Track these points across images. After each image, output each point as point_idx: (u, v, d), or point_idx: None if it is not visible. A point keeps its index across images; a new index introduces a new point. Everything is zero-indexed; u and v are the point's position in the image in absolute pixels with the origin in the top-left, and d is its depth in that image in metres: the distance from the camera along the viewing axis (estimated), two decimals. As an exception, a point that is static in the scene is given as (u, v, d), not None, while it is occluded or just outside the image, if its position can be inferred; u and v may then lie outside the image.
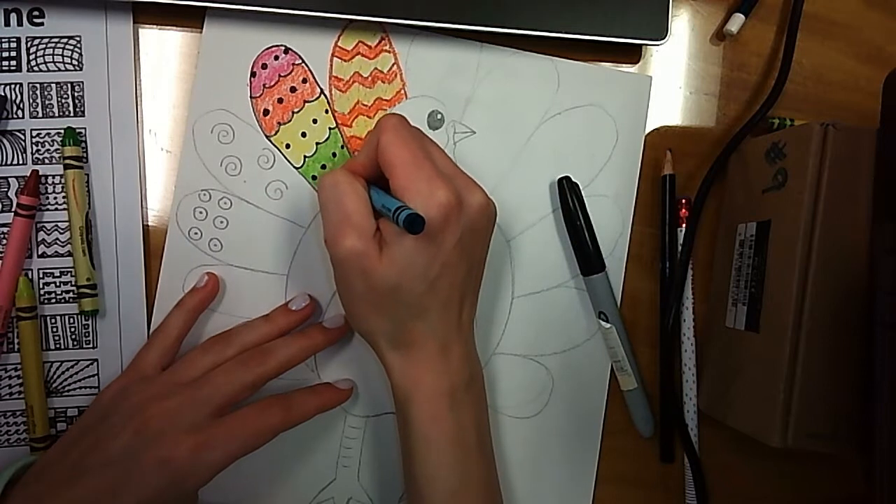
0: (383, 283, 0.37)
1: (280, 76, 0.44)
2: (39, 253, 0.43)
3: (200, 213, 0.44)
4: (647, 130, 0.47)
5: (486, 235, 0.40)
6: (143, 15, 0.43)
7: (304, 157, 0.44)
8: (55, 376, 0.43)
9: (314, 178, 0.45)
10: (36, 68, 0.42)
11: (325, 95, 0.44)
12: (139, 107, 0.43)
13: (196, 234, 0.44)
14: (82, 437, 0.39)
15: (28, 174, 0.42)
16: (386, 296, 0.37)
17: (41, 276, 0.43)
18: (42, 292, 0.43)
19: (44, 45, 0.42)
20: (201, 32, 0.44)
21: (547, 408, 0.46)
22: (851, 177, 0.39)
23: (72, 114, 0.43)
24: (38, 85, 0.43)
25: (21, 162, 0.43)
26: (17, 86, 0.42)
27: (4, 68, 0.42)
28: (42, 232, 0.43)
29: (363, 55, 0.45)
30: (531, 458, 0.46)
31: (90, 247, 0.42)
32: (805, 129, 0.40)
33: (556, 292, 0.46)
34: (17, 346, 0.42)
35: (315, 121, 0.44)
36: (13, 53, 0.42)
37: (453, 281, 0.38)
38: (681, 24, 0.47)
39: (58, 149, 0.43)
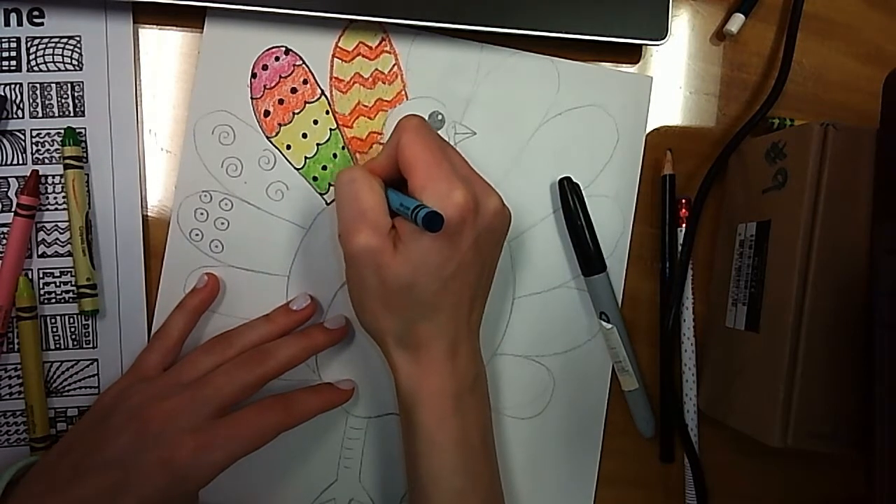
0: (397, 280, 0.37)
1: (281, 77, 0.44)
2: (39, 253, 0.43)
3: (201, 214, 0.44)
4: (648, 130, 0.47)
5: (500, 239, 0.41)
6: (143, 15, 0.43)
7: (305, 158, 0.44)
8: (55, 376, 0.43)
9: (315, 179, 0.45)
10: (36, 68, 0.42)
11: (326, 96, 0.44)
12: (139, 107, 0.43)
13: (197, 235, 0.44)
14: (83, 438, 0.39)
15: (28, 174, 0.42)
16: (398, 293, 0.37)
17: (41, 276, 0.43)
18: (42, 292, 0.43)
19: (44, 45, 0.42)
20: (201, 32, 0.44)
21: (548, 408, 0.46)
22: (851, 177, 0.39)
23: (72, 114, 0.43)
24: (38, 85, 0.42)
25: (21, 162, 0.42)
26: (17, 86, 0.42)
27: (4, 68, 0.42)
28: (42, 232, 0.43)
29: (364, 56, 0.44)
30: (532, 458, 0.46)
31: (90, 247, 0.42)
32: (805, 129, 0.40)
33: (557, 293, 0.46)
34: (17, 346, 0.42)
35: (316, 122, 0.44)
36: (13, 53, 0.42)
37: (466, 282, 0.39)
38: (681, 24, 0.48)
39: (58, 149, 0.43)
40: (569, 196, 0.45)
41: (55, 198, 0.43)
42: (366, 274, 0.37)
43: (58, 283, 0.43)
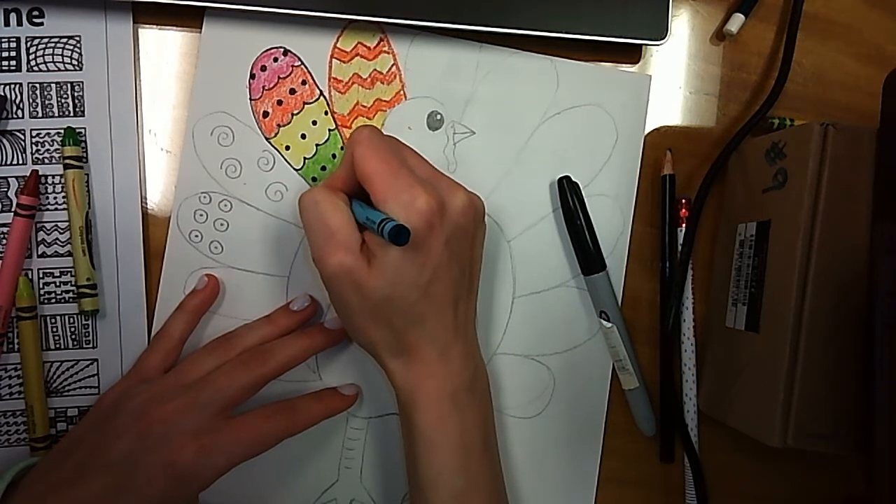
0: (376, 294, 0.37)
1: (279, 78, 0.44)
2: (39, 253, 0.43)
3: (201, 215, 0.44)
4: (647, 130, 0.47)
5: (474, 234, 0.40)
6: (142, 15, 0.43)
7: (304, 158, 0.44)
8: (55, 376, 0.43)
9: (314, 179, 0.45)
10: (36, 68, 0.42)
11: (325, 97, 0.44)
12: (139, 107, 0.43)
13: (196, 236, 0.44)
14: (85, 439, 0.39)
15: (28, 174, 0.42)
16: (381, 306, 0.37)
17: (41, 276, 0.43)
18: (42, 292, 0.43)
19: (44, 45, 0.42)
20: (201, 32, 0.44)
21: (548, 408, 0.46)
22: (851, 177, 0.39)
23: (72, 114, 0.43)
24: (38, 85, 0.42)
25: (21, 162, 0.43)
26: (17, 86, 0.42)
27: (4, 68, 0.42)
28: (42, 232, 0.43)
29: (362, 56, 0.44)
30: (533, 457, 0.46)
31: (90, 247, 0.42)
32: (805, 129, 0.40)
33: (557, 292, 0.46)
34: (17, 346, 0.42)
35: (314, 122, 0.44)
36: (13, 53, 0.42)
37: (446, 284, 0.38)
38: (681, 24, 0.47)
39: (58, 149, 0.43)
40: (568, 195, 0.45)
41: (55, 198, 0.43)
42: (346, 293, 0.38)
43: (58, 283, 0.43)
